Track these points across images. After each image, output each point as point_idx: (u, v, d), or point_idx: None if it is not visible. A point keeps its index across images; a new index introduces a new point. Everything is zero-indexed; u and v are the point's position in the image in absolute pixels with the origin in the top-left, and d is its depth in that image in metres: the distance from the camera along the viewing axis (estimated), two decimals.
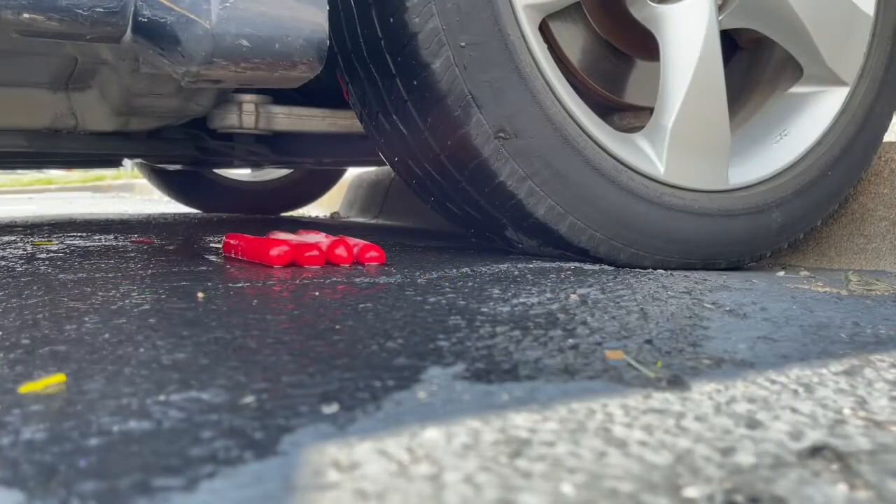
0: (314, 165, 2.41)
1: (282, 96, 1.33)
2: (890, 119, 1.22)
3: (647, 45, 1.10)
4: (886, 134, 1.23)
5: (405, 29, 0.90)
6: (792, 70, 1.19)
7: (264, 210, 2.85)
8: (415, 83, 0.93)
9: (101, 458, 0.35)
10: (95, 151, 1.55)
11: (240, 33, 0.79)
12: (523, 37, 0.95)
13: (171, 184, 2.79)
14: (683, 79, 1.01)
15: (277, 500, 0.31)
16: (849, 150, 1.16)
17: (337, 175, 2.94)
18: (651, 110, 1.22)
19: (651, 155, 1.03)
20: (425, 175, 1.04)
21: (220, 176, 2.78)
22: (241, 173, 2.86)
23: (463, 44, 0.91)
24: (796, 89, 1.18)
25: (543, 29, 1.05)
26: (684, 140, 1.03)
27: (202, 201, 2.84)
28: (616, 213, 0.99)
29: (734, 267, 1.11)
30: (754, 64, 1.26)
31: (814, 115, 1.16)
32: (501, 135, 0.94)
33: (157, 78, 1.10)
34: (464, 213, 1.06)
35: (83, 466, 0.34)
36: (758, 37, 1.20)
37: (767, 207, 1.09)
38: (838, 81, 1.15)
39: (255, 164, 2.26)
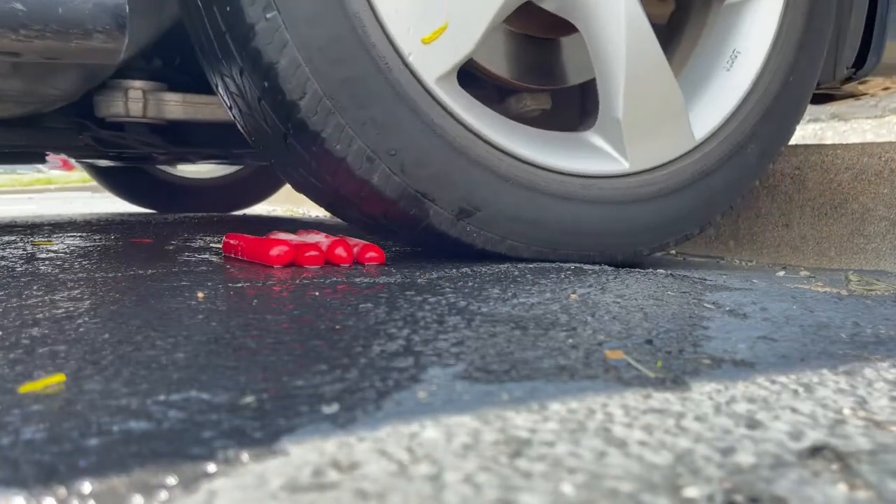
0: (224, 161, 2.27)
1: (178, 83, 1.26)
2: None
3: (566, 25, 1.04)
4: (887, 135, 1.22)
5: (331, 156, 0.88)
6: None
7: (215, 208, 2.77)
8: (362, 195, 0.92)
9: (101, 458, 0.35)
10: None
11: None
12: (450, 114, 0.91)
13: (116, 182, 2.71)
14: (618, 61, 0.96)
15: (277, 500, 0.31)
16: (805, 45, 1.08)
17: None
18: (549, 92, 1.14)
19: (612, 152, 1.00)
20: (406, 240, 1.04)
21: (167, 173, 2.69)
22: (194, 170, 2.77)
23: (393, 152, 0.88)
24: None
25: None
26: (640, 123, 0.99)
27: (149, 199, 2.75)
28: (603, 228, 0.98)
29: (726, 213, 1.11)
30: None
31: (759, 21, 1.06)
32: (463, 215, 0.93)
33: None
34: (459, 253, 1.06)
35: (83, 466, 0.34)
36: (671, 10, 1.13)
37: (742, 145, 1.05)
38: None
39: (180, 158, 2.11)
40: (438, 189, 0.91)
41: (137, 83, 1.22)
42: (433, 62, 0.89)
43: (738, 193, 1.08)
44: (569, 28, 1.02)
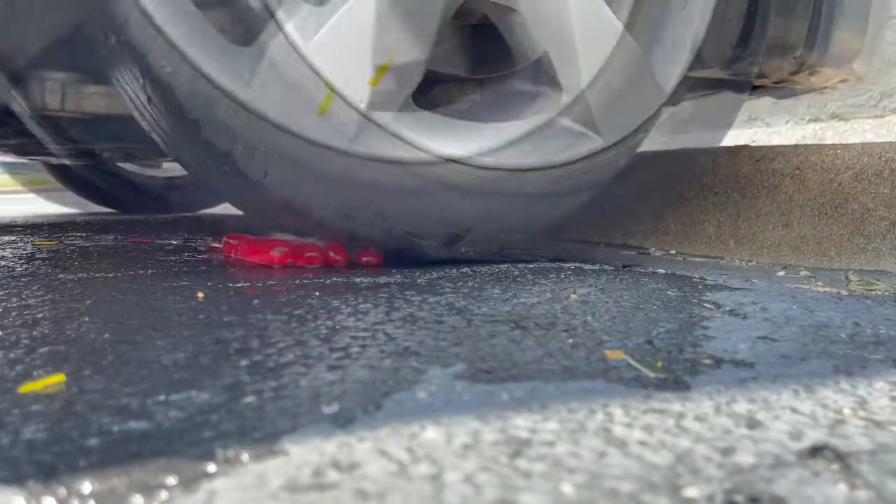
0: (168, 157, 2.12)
1: (105, 75, 1.18)
2: None
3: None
4: (887, 135, 1.21)
5: (310, 218, 0.89)
6: None
7: (183, 208, 2.66)
8: (352, 242, 0.94)
9: (101, 458, 0.35)
10: None
11: None
12: (418, 147, 0.88)
13: (79, 182, 2.61)
14: (567, 35, 0.91)
15: (277, 500, 0.31)
16: None
17: None
18: (478, 81, 1.08)
19: (585, 131, 0.96)
20: None
21: (130, 172, 2.57)
22: (166, 167, 2.64)
23: (368, 203, 0.88)
24: None
25: None
26: (607, 91, 0.94)
27: (115, 200, 2.64)
28: (594, 211, 0.99)
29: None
30: None
31: None
32: (454, 240, 0.93)
33: None
34: None
35: (83, 466, 0.34)
36: None
37: (717, 82, 1.00)
38: None
39: (126, 156, 1.98)
40: (423, 224, 0.90)
41: (56, 74, 1.14)
42: (387, 101, 0.86)
43: (727, 124, 1.06)
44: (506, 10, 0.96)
